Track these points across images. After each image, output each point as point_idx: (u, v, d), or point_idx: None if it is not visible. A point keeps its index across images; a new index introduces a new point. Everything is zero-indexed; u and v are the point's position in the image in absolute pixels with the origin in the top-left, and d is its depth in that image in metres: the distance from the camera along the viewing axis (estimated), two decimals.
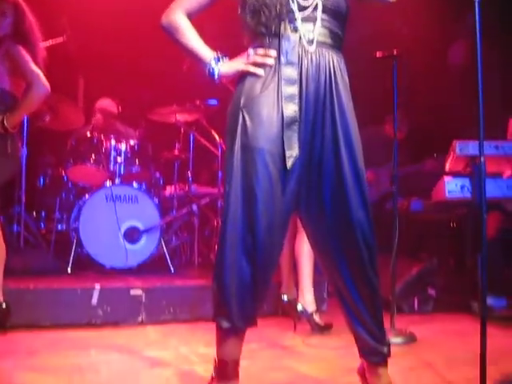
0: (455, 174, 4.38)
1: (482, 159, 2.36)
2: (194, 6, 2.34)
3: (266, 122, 2.11)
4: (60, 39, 5.20)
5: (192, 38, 2.31)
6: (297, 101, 2.14)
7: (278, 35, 2.17)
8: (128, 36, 6.10)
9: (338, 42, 2.26)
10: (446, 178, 4.36)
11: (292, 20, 2.18)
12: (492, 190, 4.19)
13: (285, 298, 4.08)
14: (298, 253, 4.01)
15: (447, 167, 4.43)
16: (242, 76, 2.25)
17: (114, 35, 6.09)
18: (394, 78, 3.93)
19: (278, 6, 2.15)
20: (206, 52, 2.29)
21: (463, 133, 4.27)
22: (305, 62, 2.16)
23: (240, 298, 2.10)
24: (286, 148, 2.11)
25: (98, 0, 6.18)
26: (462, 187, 4.27)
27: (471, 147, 4.14)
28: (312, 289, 3.99)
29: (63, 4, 5.85)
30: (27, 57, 3.53)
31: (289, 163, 2.11)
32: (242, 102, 2.17)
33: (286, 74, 2.14)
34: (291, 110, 2.13)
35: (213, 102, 5.70)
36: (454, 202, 4.47)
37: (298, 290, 4.06)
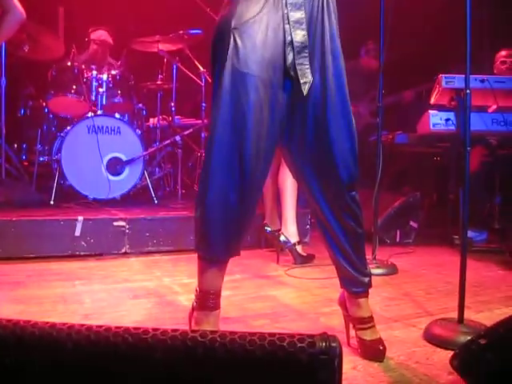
0: (440, 108, 4.36)
1: (468, 91, 2.34)
2: None
3: (260, 46, 2.01)
4: None
5: None
6: (304, 26, 2.05)
7: None
8: None
9: None
10: (431, 112, 4.35)
11: None
12: (476, 123, 4.19)
13: (268, 229, 4.11)
14: (282, 185, 4.02)
15: (432, 100, 4.40)
16: None
17: None
18: (381, 9, 3.85)
19: None
20: None
21: (445, 65, 4.24)
22: None
23: (224, 227, 2.07)
24: (299, 75, 2.03)
25: None
26: (447, 120, 4.26)
27: (457, 80, 4.10)
28: (295, 220, 4.03)
29: None
30: None
31: (305, 90, 2.04)
32: (232, 23, 2.03)
33: None
34: (301, 35, 2.04)
35: (197, 31, 5.58)
36: (439, 135, 4.47)
37: (281, 221, 4.09)
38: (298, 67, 2.05)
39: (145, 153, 5.18)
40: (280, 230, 4.04)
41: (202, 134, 5.90)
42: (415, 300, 2.96)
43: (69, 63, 5.22)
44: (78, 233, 3.94)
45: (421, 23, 6.14)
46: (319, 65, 2.10)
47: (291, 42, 2.05)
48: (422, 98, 4.54)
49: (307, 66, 2.06)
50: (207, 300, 2.14)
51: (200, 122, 5.96)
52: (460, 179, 2.34)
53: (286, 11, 2.05)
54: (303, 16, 2.06)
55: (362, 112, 5.99)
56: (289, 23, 2.04)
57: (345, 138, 2.12)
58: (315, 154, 2.13)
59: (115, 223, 4.07)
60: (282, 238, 3.95)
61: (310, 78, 2.06)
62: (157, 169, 5.94)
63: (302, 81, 2.05)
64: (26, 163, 5.49)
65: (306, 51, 2.06)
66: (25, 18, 3.50)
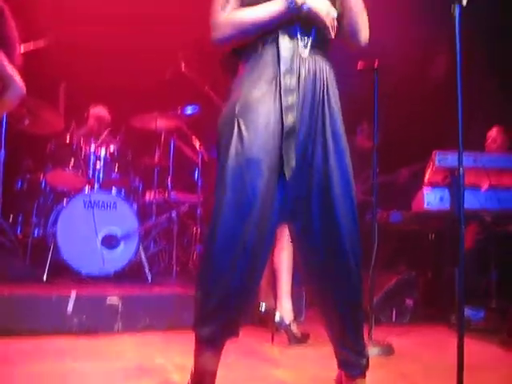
0: (434, 185, 4.41)
1: (461, 171, 2.37)
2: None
3: (262, 131, 2.07)
4: (41, 43, 5.16)
5: (253, 11, 2.17)
6: (295, 111, 2.11)
7: (275, 42, 2.15)
8: (111, 42, 6.07)
9: (327, 48, 2.27)
10: (425, 190, 4.39)
11: (289, 24, 2.16)
12: (470, 201, 4.22)
13: (263, 307, 4.06)
14: (277, 262, 4.00)
15: (426, 178, 4.45)
16: (237, 83, 2.21)
17: (97, 41, 6.06)
18: (374, 90, 3.94)
19: None
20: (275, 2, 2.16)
21: (439, 144, 4.31)
22: (302, 71, 2.15)
23: (224, 309, 2.06)
24: (284, 158, 2.08)
25: (82, 6, 6.18)
26: (441, 198, 4.29)
27: (450, 159, 4.17)
28: (290, 297, 3.98)
29: (46, 8, 5.83)
30: (4, 59, 3.49)
31: (287, 173, 2.08)
32: (236, 109, 2.11)
33: (286, 83, 2.12)
34: (291, 119, 2.10)
35: (194, 109, 5.69)
36: (433, 214, 4.49)
37: (275, 299, 4.05)
38: (284, 150, 2.08)
39: (140, 228, 5.18)
40: (275, 308, 3.99)
41: (198, 210, 5.92)
42: (413, 381, 2.91)
43: (68, 138, 5.29)
44: (70, 309, 3.89)
45: (416, 102, 6.27)
46: (321, 147, 2.14)
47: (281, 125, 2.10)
48: (417, 176, 4.59)
49: (293, 151, 2.09)
50: (203, 381, 2.10)
51: (196, 197, 5.99)
52: (455, 258, 2.33)
53: (280, 96, 2.10)
54: (294, 101, 2.11)
55: (356, 191, 6.01)
56: (281, 108, 2.10)
57: (351, 219, 2.13)
58: (322, 234, 2.14)
59: (108, 300, 4.02)
60: (277, 318, 3.89)
61: (293, 163, 2.09)
62: (152, 244, 5.92)
63: (286, 164, 2.08)
64: (20, 236, 5.47)
65: (294, 135, 2.10)
66: (25, 94, 3.55)
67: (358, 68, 4.00)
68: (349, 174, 2.17)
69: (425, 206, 4.33)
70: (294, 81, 2.12)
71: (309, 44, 2.19)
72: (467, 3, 2.52)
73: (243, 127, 2.07)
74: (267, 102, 2.11)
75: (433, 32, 5.41)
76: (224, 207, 2.03)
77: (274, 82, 2.13)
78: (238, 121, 2.08)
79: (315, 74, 2.17)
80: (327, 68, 2.23)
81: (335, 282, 2.15)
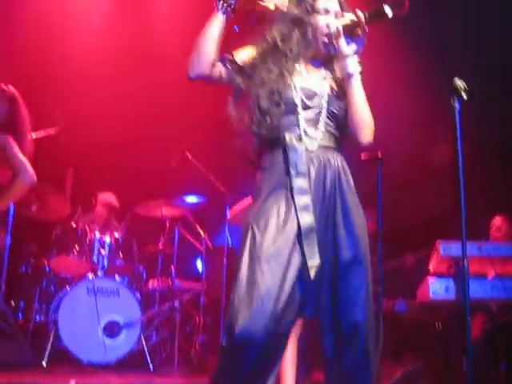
0: (439, 275, 4.38)
1: (466, 263, 2.38)
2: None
3: (275, 233, 2.13)
4: (52, 130, 5.29)
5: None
6: (311, 209, 2.17)
7: (282, 146, 2.24)
8: (118, 130, 6.23)
9: (339, 143, 2.33)
10: (430, 279, 4.36)
11: (295, 124, 2.24)
12: (476, 290, 4.18)
13: None
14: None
15: (431, 267, 4.43)
16: (253, 195, 2.31)
17: (104, 128, 6.21)
18: (378, 181, 4.00)
19: (283, 107, 2.23)
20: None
21: (444, 229, 4.33)
22: (312, 171, 2.23)
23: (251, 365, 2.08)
24: (307, 258, 2.12)
25: (90, 95, 6.37)
26: (447, 288, 4.26)
27: (454, 248, 4.16)
28: None
29: (57, 97, 6.02)
30: (15, 147, 3.58)
31: (312, 273, 2.12)
32: (250, 217, 2.19)
33: (298, 185, 2.19)
34: (307, 219, 2.15)
35: (200, 198, 5.75)
36: (439, 303, 4.44)
37: None
38: (305, 249, 2.13)
39: (143, 317, 5.13)
40: None
41: (201, 299, 5.87)
42: None
43: (73, 224, 5.33)
44: None
45: (420, 190, 6.32)
46: (332, 239, 2.18)
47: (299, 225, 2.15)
48: (423, 262, 4.58)
49: (315, 249, 2.14)
50: None
51: (200, 286, 5.96)
52: (463, 348, 2.30)
53: (293, 198, 2.18)
54: (308, 201, 2.18)
55: None
56: (295, 208, 2.14)
57: (362, 307, 2.14)
58: (333, 316, 2.15)
59: None
60: None
61: (317, 261, 2.12)
62: (154, 333, 5.82)
63: (309, 264, 2.12)
64: (21, 322, 5.41)
65: (313, 234, 2.16)
66: (35, 181, 3.61)
67: (362, 158, 4.08)
68: (364, 263, 2.20)
69: (430, 295, 4.29)
70: (305, 183, 2.20)
71: (317, 141, 2.26)
72: (468, 97, 2.61)
73: (257, 232, 2.14)
74: (281, 204, 2.18)
75: (435, 119, 5.53)
76: (238, 305, 2.06)
77: (286, 185, 2.21)
78: (252, 227, 2.16)
79: (325, 172, 2.24)
80: (338, 160, 2.29)
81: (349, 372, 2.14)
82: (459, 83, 2.88)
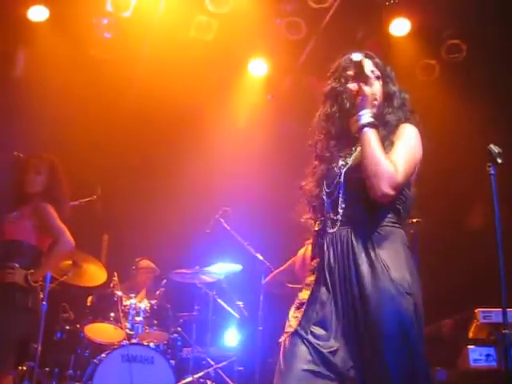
0: (479, 343, 4.27)
1: (507, 330, 2.34)
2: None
3: None
4: (89, 199, 5.39)
5: None
6: (311, 288, 2.28)
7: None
8: (151, 198, 6.34)
9: (371, 214, 2.26)
10: (470, 347, 4.25)
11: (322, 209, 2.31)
12: None
13: None
14: None
15: (471, 335, 4.33)
16: None
17: (139, 195, 6.34)
18: (415, 246, 3.98)
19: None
20: None
21: (481, 295, 4.24)
22: (330, 253, 2.25)
23: None
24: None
25: (124, 165, 6.55)
26: (488, 356, 4.14)
27: (494, 315, 4.07)
28: None
29: (95, 165, 6.18)
30: (54, 214, 3.64)
31: None
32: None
33: (312, 266, 2.32)
34: (302, 295, 2.31)
35: (235, 266, 5.74)
36: (480, 372, 4.31)
37: None
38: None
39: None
40: None
41: (236, 368, 5.80)
42: None
43: (109, 291, 5.36)
44: None
45: (456, 254, 6.23)
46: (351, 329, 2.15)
47: None
48: (460, 329, 4.47)
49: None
50: None
51: (234, 354, 5.89)
52: None
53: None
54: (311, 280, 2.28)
55: None
56: None
57: None
58: None
59: None
60: None
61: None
62: None
63: None
64: None
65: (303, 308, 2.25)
66: (74, 247, 3.66)
67: None
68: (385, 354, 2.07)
69: (471, 363, 4.18)
70: (316, 264, 2.29)
71: (337, 219, 2.26)
72: (502, 162, 2.61)
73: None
74: None
75: (471, 182, 5.51)
76: None
77: None
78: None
79: (342, 248, 2.22)
80: (357, 233, 2.23)
81: None
82: (494, 149, 2.89)
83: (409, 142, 2.29)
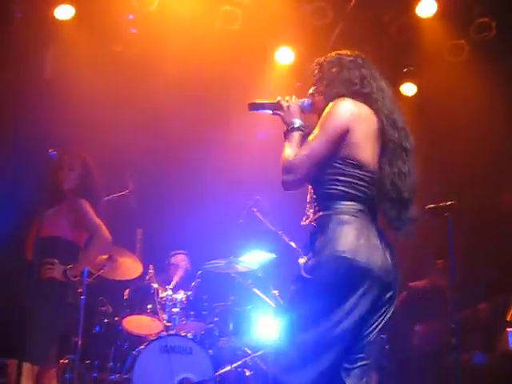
0: None
1: None
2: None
3: None
4: (123, 193, 5.45)
5: None
6: None
7: None
8: (184, 189, 6.38)
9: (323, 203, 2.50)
10: (510, 330, 4.22)
11: None
12: None
13: None
14: None
15: (509, 318, 4.29)
16: None
17: (172, 187, 6.38)
18: (448, 229, 3.95)
19: None
20: None
21: None
22: None
23: None
24: None
25: (155, 159, 6.59)
26: None
27: None
28: None
29: (127, 160, 6.24)
30: (90, 210, 3.69)
31: None
32: None
33: None
34: None
35: (270, 255, 5.75)
36: None
37: None
38: None
39: (215, 374, 5.11)
40: None
41: None
42: None
43: (145, 283, 5.42)
44: None
45: (494, 236, 6.16)
46: None
47: None
48: (498, 312, 4.43)
49: None
50: None
51: (272, 342, 5.90)
52: None
53: None
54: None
55: (436, 331, 5.83)
56: None
57: None
58: None
59: None
60: None
61: None
62: None
63: None
64: (97, 381, 5.49)
65: None
66: (110, 242, 3.70)
67: (427, 208, 4.05)
68: None
69: (510, 346, 4.14)
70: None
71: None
72: None
73: None
74: None
75: (504, 163, 5.46)
76: None
77: None
78: None
79: None
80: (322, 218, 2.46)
81: None
82: None
83: (321, 123, 2.44)
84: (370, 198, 2.38)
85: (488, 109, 6.09)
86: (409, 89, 7.12)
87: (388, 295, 2.37)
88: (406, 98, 7.16)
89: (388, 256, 2.35)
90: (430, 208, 4.18)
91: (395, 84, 7.24)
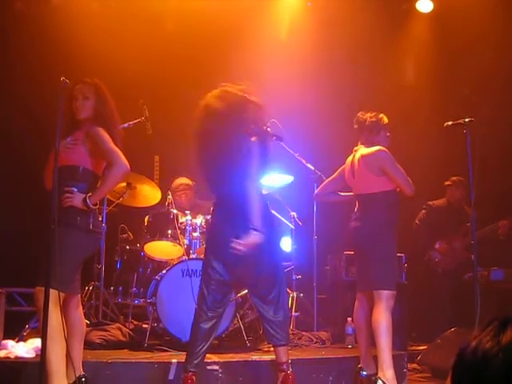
0: None
1: None
2: None
3: None
4: (138, 120, 5.44)
5: None
6: None
7: None
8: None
9: None
10: None
11: None
12: None
13: (363, 373, 3.97)
14: (376, 326, 3.91)
15: None
16: None
17: (188, 112, 6.33)
18: (467, 146, 3.91)
19: None
20: None
21: None
22: None
23: None
24: None
25: (175, 86, 6.53)
26: None
27: None
28: (392, 363, 3.87)
29: (140, 88, 6.18)
30: (107, 137, 3.66)
31: None
32: None
33: None
34: None
35: (288, 178, 5.75)
36: None
37: (376, 364, 3.95)
38: None
39: (237, 296, 5.20)
40: (376, 373, 3.89)
41: (294, 277, 5.92)
42: None
43: (165, 209, 5.46)
44: (171, 376, 3.93)
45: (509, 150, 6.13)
46: None
47: None
48: None
49: None
50: None
51: (290, 263, 5.99)
52: None
53: None
54: None
55: (457, 247, 5.88)
56: None
57: None
58: None
59: (208, 367, 4.04)
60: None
61: None
62: (249, 312, 5.92)
63: None
64: (121, 305, 5.64)
65: None
66: (129, 170, 3.69)
67: (447, 124, 4.01)
68: None
69: None
70: None
71: None
72: None
73: None
74: None
75: None
76: None
77: None
78: None
79: None
80: None
81: None
82: None
83: None
84: None
85: (505, 24, 5.93)
86: (425, 5, 6.94)
87: None
88: (422, 14, 7.00)
89: None
90: (448, 125, 4.13)
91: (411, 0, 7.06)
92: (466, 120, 4.01)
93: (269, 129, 3.95)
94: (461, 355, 1.19)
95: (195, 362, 3.57)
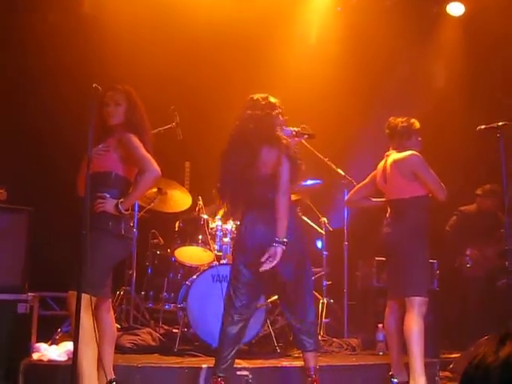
0: None
1: None
2: None
3: None
4: (169, 126, 5.48)
5: None
6: None
7: None
8: (230, 119, 6.35)
9: None
10: None
11: None
12: None
13: (395, 380, 3.94)
14: (408, 333, 3.88)
15: None
16: None
17: (218, 118, 6.36)
18: (501, 150, 3.87)
19: None
20: None
21: None
22: None
23: None
24: None
25: (204, 91, 6.56)
26: None
27: None
28: (424, 371, 3.83)
29: (171, 94, 6.22)
30: (138, 144, 3.69)
31: None
32: None
33: None
34: None
35: (316, 181, 5.75)
36: None
37: (408, 372, 3.92)
38: None
39: (267, 301, 5.20)
40: (407, 381, 3.86)
41: (324, 283, 5.90)
42: None
43: (195, 214, 5.49)
44: (202, 381, 3.94)
45: None
46: None
47: None
48: None
49: None
50: None
51: (321, 269, 5.98)
52: None
53: None
54: None
55: (489, 254, 5.80)
56: None
57: None
58: None
59: (238, 372, 4.04)
60: None
61: None
62: (279, 318, 5.90)
63: None
64: (152, 310, 5.68)
65: None
66: (160, 176, 3.72)
67: (479, 128, 3.97)
68: None
69: None
70: None
71: None
72: None
73: None
74: None
75: None
76: None
77: None
78: None
79: None
80: None
81: None
82: None
83: None
84: None
85: None
86: (456, 8, 6.88)
87: None
88: (453, 18, 6.94)
89: None
90: (481, 129, 4.09)
91: (442, 3, 7.00)
92: (500, 124, 3.96)
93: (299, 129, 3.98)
94: (466, 369, 1.28)
95: (223, 366, 3.58)
